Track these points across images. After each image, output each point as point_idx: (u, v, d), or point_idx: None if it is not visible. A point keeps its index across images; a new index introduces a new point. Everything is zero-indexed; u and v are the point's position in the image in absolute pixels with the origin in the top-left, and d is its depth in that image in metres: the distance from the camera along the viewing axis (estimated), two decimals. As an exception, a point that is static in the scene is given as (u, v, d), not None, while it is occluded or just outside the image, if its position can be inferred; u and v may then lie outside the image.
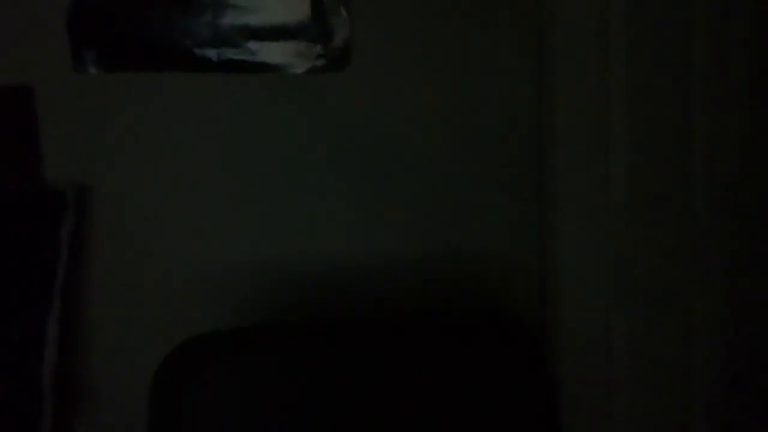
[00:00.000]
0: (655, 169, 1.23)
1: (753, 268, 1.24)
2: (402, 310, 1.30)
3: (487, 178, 1.35)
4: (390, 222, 1.33)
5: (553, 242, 1.31)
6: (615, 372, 1.27)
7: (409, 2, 1.31)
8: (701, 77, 1.20)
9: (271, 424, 1.07)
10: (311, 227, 1.31)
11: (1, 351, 1.15)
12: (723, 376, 1.24)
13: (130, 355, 1.23)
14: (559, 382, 1.27)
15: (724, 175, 1.22)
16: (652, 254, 1.24)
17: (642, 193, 1.24)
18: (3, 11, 1.21)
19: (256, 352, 1.10)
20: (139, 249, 1.27)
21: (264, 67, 1.28)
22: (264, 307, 1.29)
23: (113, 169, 1.26)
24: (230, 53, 1.27)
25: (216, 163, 1.28)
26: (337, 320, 1.21)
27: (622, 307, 1.27)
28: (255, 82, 1.28)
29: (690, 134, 1.22)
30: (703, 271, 1.25)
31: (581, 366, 1.28)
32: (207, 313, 1.26)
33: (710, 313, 1.25)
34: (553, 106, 1.28)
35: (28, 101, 1.22)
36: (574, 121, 1.26)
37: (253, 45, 1.27)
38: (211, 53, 1.27)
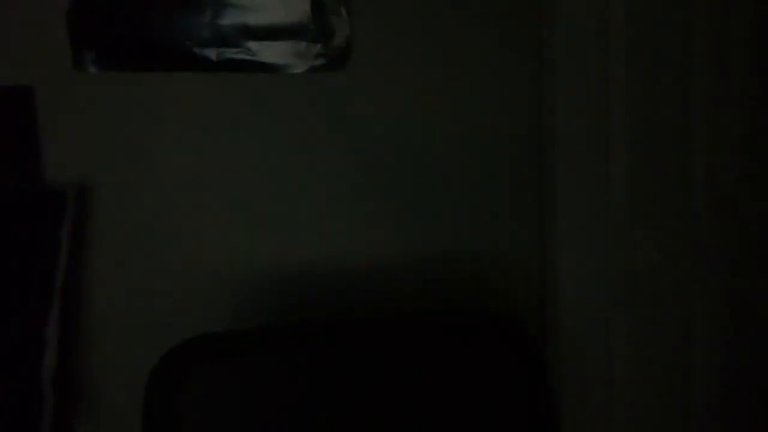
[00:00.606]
0: (655, 169, 1.23)
1: (753, 268, 1.24)
2: (402, 310, 1.30)
3: (487, 178, 1.35)
4: (390, 222, 1.33)
5: (553, 242, 1.31)
6: (615, 372, 1.27)
7: (409, 2, 1.31)
8: (701, 77, 1.21)
9: (269, 423, 1.06)
10: (311, 227, 1.31)
11: (1, 351, 1.15)
12: (723, 376, 1.24)
13: (130, 355, 1.22)
14: (559, 381, 1.27)
15: (724, 175, 1.23)
16: (652, 254, 1.24)
17: (642, 193, 1.24)
18: (3, 11, 1.21)
19: (254, 353, 1.09)
20: (139, 249, 1.27)
21: (264, 67, 1.28)
22: (264, 307, 1.29)
23: (113, 169, 1.26)
24: (230, 53, 1.27)
25: (216, 162, 1.28)
26: (336, 320, 1.21)
27: (622, 307, 1.27)
28: (255, 81, 1.28)
29: (690, 134, 1.22)
30: (703, 271, 1.26)
31: (581, 366, 1.28)
32: (207, 313, 1.26)
33: (710, 313, 1.25)
34: (553, 106, 1.28)
35: (28, 101, 1.22)
36: (574, 121, 1.26)
37: (252, 44, 1.27)
38: (211, 53, 1.26)
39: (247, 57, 1.27)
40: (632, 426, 1.24)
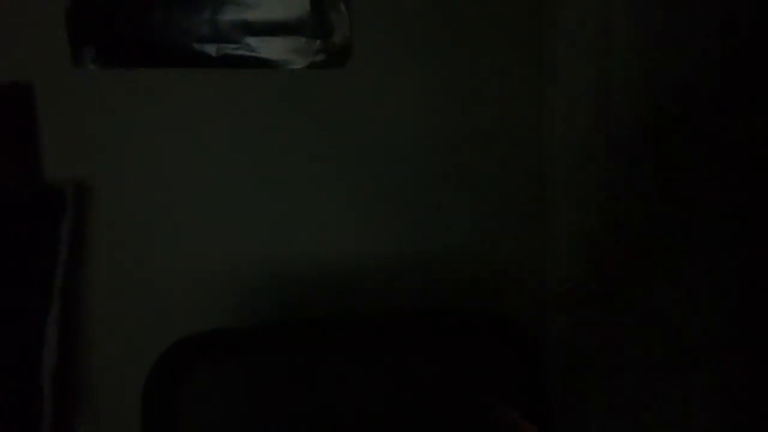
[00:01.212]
0: (655, 169, 1.23)
1: (753, 269, 1.24)
2: (402, 310, 1.30)
3: (487, 178, 1.35)
4: (389, 221, 1.33)
5: (552, 243, 1.31)
6: (615, 372, 1.27)
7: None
8: (701, 77, 1.20)
9: (268, 422, 1.07)
10: (311, 226, 1.31)
11: (1, 351, 1.15)
12: (723, 376, 1.25)
13: (130, 354, 1.22)
14: (558, 381, 1.28)
15: (724, 174, 1.23)
16: (652, 254, 1.24)
17: (642, 192, 1.24)
18: (2, 8, 1.20)
19: (253, 352, 1.09)
20: (139, 249, 1.27)
21: (263, 63, 1.28)
22: (264, 307, 1.29)
23: (113, 167, 1.25)
24: (229, 49, 1.26)
25: (216, 160, 1.28)
26: (336, 320, 1.21)
27: (621, 307, 1.27)
28: (254, 77, 1.28)
29: (690, 134, 1.22)
30: (703, 270, 1.26)
31: (580, 366, 1.29)
32: (207, 313, 1.26)
33: (710, 313, 1.25)
34: (553, 106, 1.28)
35: (28, 99, 1.21)
36: (574, 122, 1.26)
37: (252, 41, 1.27)
38: (211, 49, 1.26)
39: (247, 53, 1.27)
40: (632, 425, 1.25)
